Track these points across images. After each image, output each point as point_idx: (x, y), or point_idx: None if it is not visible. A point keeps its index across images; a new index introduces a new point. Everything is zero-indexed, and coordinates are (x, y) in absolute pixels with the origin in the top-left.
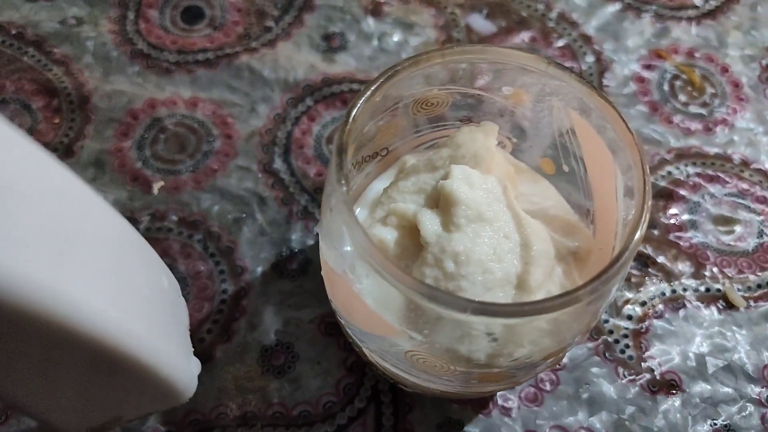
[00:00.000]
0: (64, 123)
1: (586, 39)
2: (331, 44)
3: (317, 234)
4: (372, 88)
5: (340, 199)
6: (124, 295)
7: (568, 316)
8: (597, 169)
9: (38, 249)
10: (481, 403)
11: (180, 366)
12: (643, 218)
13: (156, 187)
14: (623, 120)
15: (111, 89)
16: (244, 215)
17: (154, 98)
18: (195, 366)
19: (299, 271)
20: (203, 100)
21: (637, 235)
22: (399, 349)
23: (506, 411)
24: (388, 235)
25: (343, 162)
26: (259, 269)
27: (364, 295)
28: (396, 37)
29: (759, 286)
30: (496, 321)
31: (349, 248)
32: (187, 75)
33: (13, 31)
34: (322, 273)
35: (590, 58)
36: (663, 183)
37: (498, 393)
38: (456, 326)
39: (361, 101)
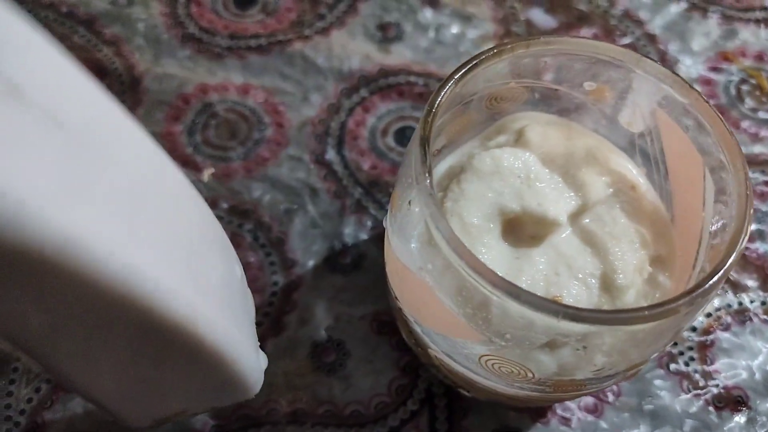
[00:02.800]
0: None
1: (651, 38)
2: (386, 34)
3: (372, 228)
4: (455, 77)
5: (424, 192)
6: (202, 280)
7: (660, 327)
8: (681, 173)
9: (119, 223)
10: (539, 412)
11: (251, 358)
12: (745, 227)
13: (206, 174)
14: (722, 121)
15: (162, 72)
16: (296, 206)
17: (205, 83)
18: (263, 360)
19: (352, 266)
20: (255, 87)
21: (740, 244)
22: (473, 353)
23: (565, 421)
24: None
25: (426, 154)
26: (311, 263)
27: (443, 295)
28: (454, 29)
29: None
30: (589, 328)
31: (429, 245)
32: (238, 61)
33: (64, 9)
34: (387, 269)
35: (654, 58)
36: None
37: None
38: (543, 331)
39: (444, 91)
